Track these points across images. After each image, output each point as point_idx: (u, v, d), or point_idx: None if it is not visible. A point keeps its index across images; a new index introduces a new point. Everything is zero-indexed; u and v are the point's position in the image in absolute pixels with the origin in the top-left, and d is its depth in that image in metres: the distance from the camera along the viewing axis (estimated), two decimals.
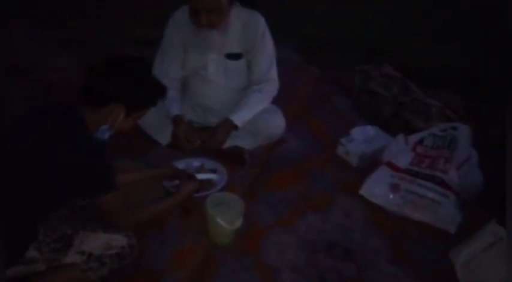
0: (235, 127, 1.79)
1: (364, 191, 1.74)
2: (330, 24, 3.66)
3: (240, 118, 1.79)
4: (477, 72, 2.94)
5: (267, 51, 1.84)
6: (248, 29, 1.80)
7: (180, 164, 1.77)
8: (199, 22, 1.67)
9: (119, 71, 1.18)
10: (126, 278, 1.26)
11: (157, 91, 1.26)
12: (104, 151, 1.17)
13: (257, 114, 1.84)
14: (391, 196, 1.68)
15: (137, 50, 2.89)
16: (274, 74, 1.89)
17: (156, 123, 1.88)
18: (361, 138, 1.99)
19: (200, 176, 1.72)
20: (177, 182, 1.66)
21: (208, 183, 1.70)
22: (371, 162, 1.88)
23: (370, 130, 2.06)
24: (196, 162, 1.80)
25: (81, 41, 2.99)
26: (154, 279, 1.29)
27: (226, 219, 1.42)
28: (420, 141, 1.80)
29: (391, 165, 1.75)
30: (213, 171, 1.77)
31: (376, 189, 1.72)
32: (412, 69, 2.72)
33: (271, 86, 1.88)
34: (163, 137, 1.89)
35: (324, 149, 2.03)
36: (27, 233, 1.13)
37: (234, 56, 1.84)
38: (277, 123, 1.92)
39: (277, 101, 1.95)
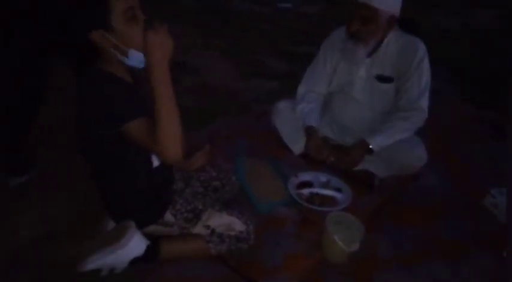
0: (370, 151, 1.75)
1: None
2: (495, 57, 3.24)
3: (377, 142, 1.74)
4: None
5: (420, 79, 1.74)
6: (405, 55, 1.75)
7: (307, 176, 1.82)
8: (349, 28, 1.69)
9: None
10: (240, 264, 1.35)
11: None
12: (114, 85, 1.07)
13: (397, 142, 1.76)
14: None
15: (285, 63, 3.09)
16: (424, 104, 1.77)
17: (292, 133, 1.98)
18: None
19: (325, 192, 1.74)
20: (303, 192, 1.72)
21: (331, 200, 1.70)
22: None
23: None
24: (323, 178, 1.82)
25: (237, 50, 3.36)
26: (266, 274, 1.35)
27: (343, 239, 1.40)
28: None
29: None
30: (338, 190, 1.76)
31: None
32: None
33: (419, 116, 1.76)
34: (297, 146, 1.97)
35: (466, 194, 1.82)
36: (163, 196, 1.32)
37: (384, 79, 1.80)
38: (418, 155, 1.79)
39: (422, 133, 1.83)
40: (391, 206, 1.74)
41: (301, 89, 1.99)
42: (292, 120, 1.97)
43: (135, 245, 1.20)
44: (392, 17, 1.67)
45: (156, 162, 1.24)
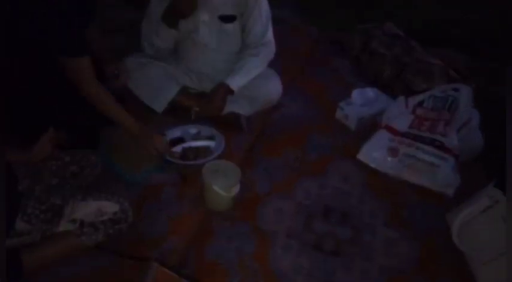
0: (231, 92, 1.75)
1: (362, 155, 1.72)
2: None
3: (235, 82, 1.75)
4: (489, 29, 2.81)
5: (261, 13, 1.75)
6: None
7: (177, 131, 1.75)
8: None
9: None
10: (123, 245, 1.27)
11: None
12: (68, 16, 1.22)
13: (253, 78, 1.79)
14: (389, 160, 1.66)
15: (129, 12, 2.77)
16: (270, 36, 1.81)
17: (149, 90, 1.84)
18: (361, 101, 1.95)
19: (197, 144, 1.71)
20: (176, 150, 1.66)
21: (205, 150, 1.69)
22: (370, 126, 1.85)
23: (370, 92, 2.01)
24: (192, 129, 1.78)
25: None
26: (152, 246, 1.31)
27: (223, 186, 1.42)
28: (420, 104, 1.75)
29: (390, 129, 1.72)
30: (210, 138, 1.75)
31: (374, 153, 1.70)
32: (416, 27, 2.61)
33: (268, 50, 1.81)
34: (158, 103, 1.85)
35: (322, 112, 2.00)
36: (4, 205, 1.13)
37: (227, 18, 1.76)
38: (274, 87, 1.87)
39: (273, 63, 1.89)
40: (262, 141, 1.82)
41: (144, 43, 1.84)
42: (145, 75, 1.82)
43: None
44: None
45: None
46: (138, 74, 1.84)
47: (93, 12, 1.45)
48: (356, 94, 1.97)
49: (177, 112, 1.83)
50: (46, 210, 1.16)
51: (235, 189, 1.46)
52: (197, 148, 1.70)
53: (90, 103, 1.38)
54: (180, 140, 1.73)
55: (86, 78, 1.34)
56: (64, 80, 1.34)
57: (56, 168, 1.31)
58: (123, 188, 1.44)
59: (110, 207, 1.23)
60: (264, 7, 1.76)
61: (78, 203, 1.20)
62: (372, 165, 1.69)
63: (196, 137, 1.75)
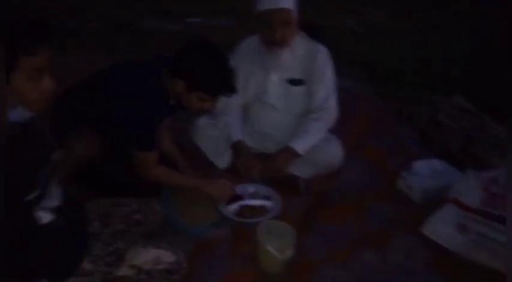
0: (297, 155, 1.79)
1: (427, 229, 1.61)
2: (398, 53, 3.56)
3: (301, 146, 1.79)
4: None
5: (326, 80, 1.84)
6: (309, 57, 1.83)
7: (235, 189, 1.80)
8: (273, 37, 1.71)
9: None
10: None
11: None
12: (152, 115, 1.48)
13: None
14: (458, 237, 1.53)
15: None
16: (332, 103, 1.87)
17: (215, 148, 1.95)
18: (426, 172, 1.87)
19: (254, 202, 1.73)
20: (233, 207, 1.70)
21: (262, 209, 1.70)
22: (436, 200, 1.75)
23: (437, 164, 1.93)
24: (250, 188, 1.81)
25: None
26: None
27: (276, 247, 1.40)
28: (493, 179, 1.63)
29: (459, 203, 1.61)
30: (267, 198, 1.76)
31: (441, 228, 1.58)
32: (489, 100, 2.52)
33: (329, 115, 1.86)
34: (221, 161, 1.95)
35: (383, 182, 1.94)
36: (75, 245, 1.21)
37: (295, 82, 1.86)
38: (335, 152, 1.88)
39: (336, 130, 1.92)
40: (319, 205, 1.79)
41: (218, 104, 1.98)
42: (213, 135, 1.95)
43: None
44: (298, 18, 1.74)
45: (47, 218, 1.13)
46: (207, 132, 1.97)
47: (172, 112, 1.65)
48: (421, 165, 1.90)
49: (237, 170, 1.90)
50: (111, 253, 1.22)
51: (289, 252, 1.43)
52: (253, 207, 1.72)
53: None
54: (237, 198, 1.77)
55: (150, 169, 1.56)
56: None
57: (124, 214, 1.40)
58: (179, 239, 1.48)
59: (167, 257, 1.26)
60: (329, 75, 1.85)
61: (139, 249, 1.25)
62: (438, 241, 1.57)
63: (253, 196, 1.78)
